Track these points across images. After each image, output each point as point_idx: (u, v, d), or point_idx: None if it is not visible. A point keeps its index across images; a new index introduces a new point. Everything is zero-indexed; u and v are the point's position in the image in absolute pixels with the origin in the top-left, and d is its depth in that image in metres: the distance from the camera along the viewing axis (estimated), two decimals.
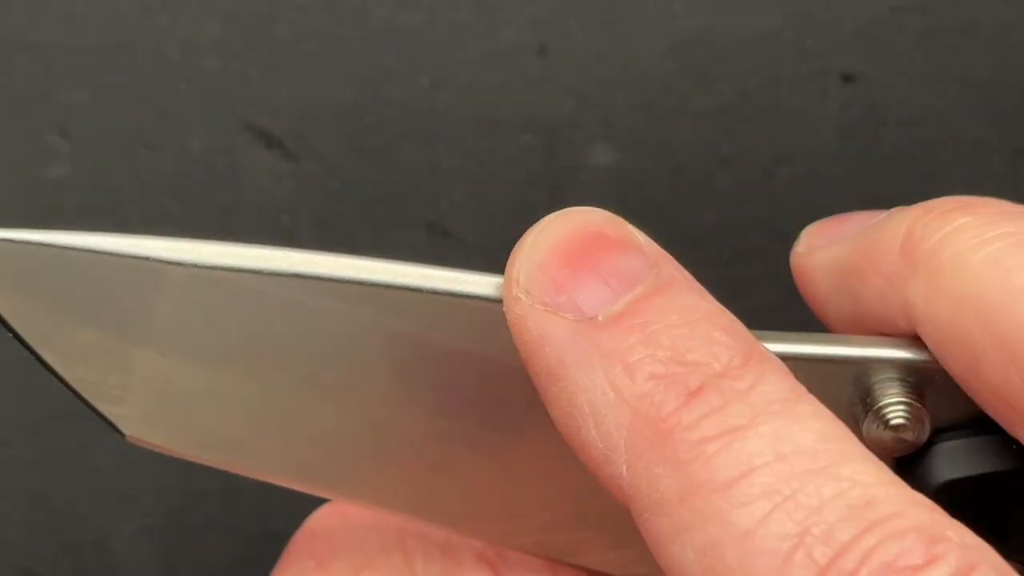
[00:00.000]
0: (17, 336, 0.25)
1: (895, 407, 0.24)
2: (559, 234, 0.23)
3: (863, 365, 0.25)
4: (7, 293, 0.24)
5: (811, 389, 0.23)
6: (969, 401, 0.24)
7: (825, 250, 0.27)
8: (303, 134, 0.38)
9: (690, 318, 0.22)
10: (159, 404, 0.25)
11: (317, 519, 0.29)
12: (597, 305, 0.22)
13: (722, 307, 0.22)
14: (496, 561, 0.26)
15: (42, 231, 0.24)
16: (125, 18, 0.38)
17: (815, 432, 0.21)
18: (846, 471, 0.20)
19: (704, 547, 0.20)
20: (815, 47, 0.38)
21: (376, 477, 0.26)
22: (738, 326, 0.22)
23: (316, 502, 0.30)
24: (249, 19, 0.38)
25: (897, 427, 0.24)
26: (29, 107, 0.38)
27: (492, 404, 0.25)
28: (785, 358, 0.23)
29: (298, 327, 0.24)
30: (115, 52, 0.38)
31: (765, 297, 0.37)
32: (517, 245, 0.23)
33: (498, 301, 0.24)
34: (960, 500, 0.24)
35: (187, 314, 0.24)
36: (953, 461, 0.25)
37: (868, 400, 0.25)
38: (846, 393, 0.25)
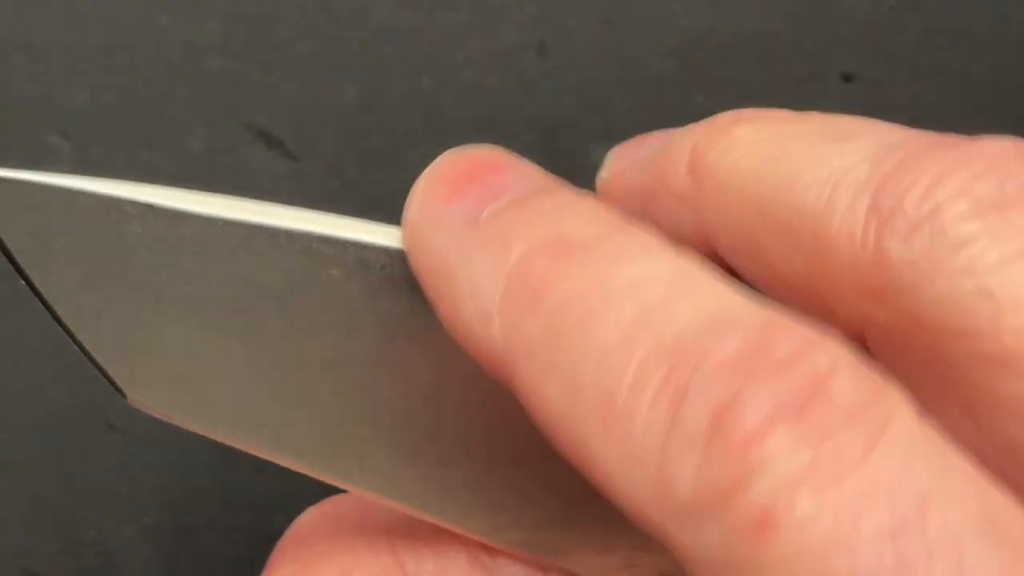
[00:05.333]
0: (30, 284, 0.25)
1: None
2: (450, 160, 0.24)
3: None
4: (20, 236, 0.25)
5: None
6: None
7: (625, 175, 0.28)
8: (303, 134, 0.38)
9: (568, 204, 0.23)
10: (163, 368, 0.25)
11: (304, 522, 0.29)
12: (482, 210, 0.23)
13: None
14: (488, 562, 0.27)
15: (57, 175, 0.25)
16: (125, 18, 0.38)
17: (666, 265, 0.21)
18: (700, 295, 0.21)
19: (569, 379, 0.21)
20: (815, 47, 0.38)
21: (366, 461, 0.26)
22: (614, 212, 0.23)
23: (317, 501, 0.30)
24: (249, 19, 0.38)
25: None
26: (29, 107, 0.38)
27: (484, 391, 0.25)
28: None
29: (302, 293, 0.25)
30: (115, 52, 0.38)
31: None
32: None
33: None
34: None
35: (194, 271, 0.24)
36: None
37: None
38: None
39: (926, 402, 0.20)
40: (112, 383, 0.25)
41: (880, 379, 0.19)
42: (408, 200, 0.24)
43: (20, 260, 0.25)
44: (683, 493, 0.19)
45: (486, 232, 0.23)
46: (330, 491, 0.31)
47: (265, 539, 0.34)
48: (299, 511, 0.29)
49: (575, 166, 0.39)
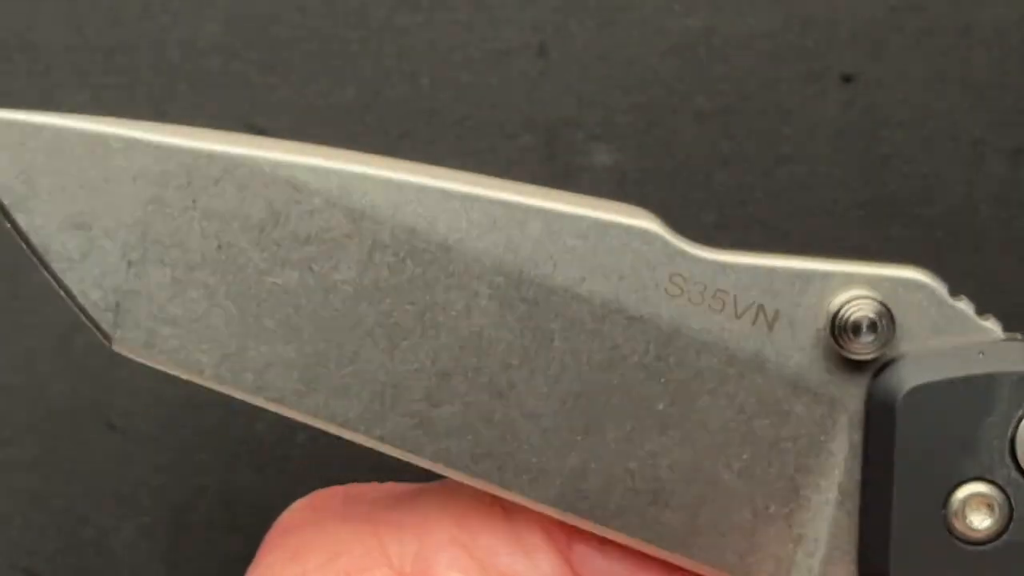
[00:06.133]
0: (15, 225, 0.25)
1: (859, 307, 0.25)
2: None
3: (831, 278, 0.26)
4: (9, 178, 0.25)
5: (781, 301, 0.25)
6: (936, 317, 0.25)
7: None
8: (303, 134, 0.38)
9: None
10: (147, 310, 0.25)
11: (290, 515, 0.29)
12: None
13: None
14: (469, 543, 0.27)
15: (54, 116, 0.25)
16: (125, 18, 0.38)
17: None
18: None
19: None
20: (815, 47, 0.38)
21: (349, 399, 0.26)
22: None
23: None
24: (249, 19, 0.38)
25: (861, 320, 0.25)
26: (29, 107, 0.38)
27: (473, 326, 0.25)
28: (758, 268, 0.25)
29: (285, 224, 0.25)
30: (115, 52, 0.38)
31: None
32: None
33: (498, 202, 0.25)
34: (929, 408, 0.25)
35: (178, 206, 0.25)
36: (919, 369, 0.25)
37: (833, 310, 0.25)
38: (813, 304, 0.26)
39: None
40: (96, 327, 0.25)
41: None
42: None
43: (4, 200, 0.25)
44: None
45: None
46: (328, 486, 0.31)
47: None
48: None
49: (575, 166, 0.39)
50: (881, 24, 0.38)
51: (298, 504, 0.29)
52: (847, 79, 0.38)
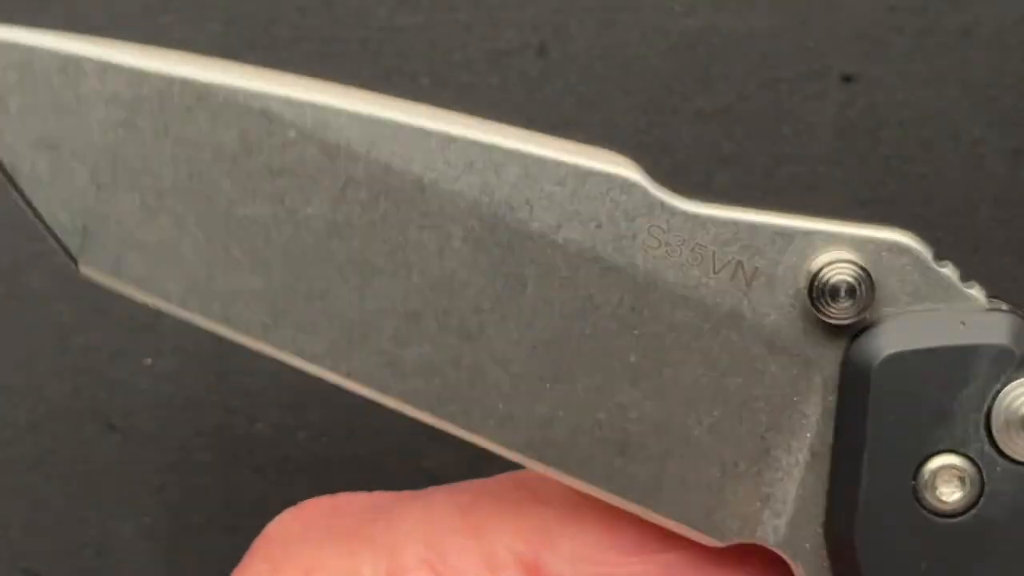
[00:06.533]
0: None
1: (838, 269, 0.25)
2: None
3: (812, 236, 0.25)
4: None
5: (760, 258, 0.25)
6: (919, 282, 0.25)
7: None
8: None
9: None
10: (116, 234, 0.25)
11: (276, 525, 0.29)
12: None
13: None
14: (438, 564, 0.27)
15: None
16: (125, 18, 0.38)
17: None
18: None
19: None
20: (815, 47, 0.38)
21: (315, 333, 0.25)
22: None
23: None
24: (249, 19, 0.38)
25: (839, 284, 0.25)
26: None
27: (446, 264, 0.25)
28: (738, 224, 0.25)
29: (258, 155, 0.24)
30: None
31: None
32: None
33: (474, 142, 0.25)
34: (905, 376, 0.25)
35: (150, 132, 0.24)
36: (897, 336, 0.25)
37: (813, 270, 0.25)
38: (792, 263, 0.25)
39: None
40: (64, 249, 0.25)
41: None
42: None
43: None
44: None
45: None
46: (327, 492, 0.31)
47: None
48: None
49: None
50: (881, 24, 0.38)
51: (286, 514, 0.29)
52: (847, 79, 0.38)
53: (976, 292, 0.25)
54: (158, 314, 0.40)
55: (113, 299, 0.39)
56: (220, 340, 0.39)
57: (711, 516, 0.26)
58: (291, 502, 0.30)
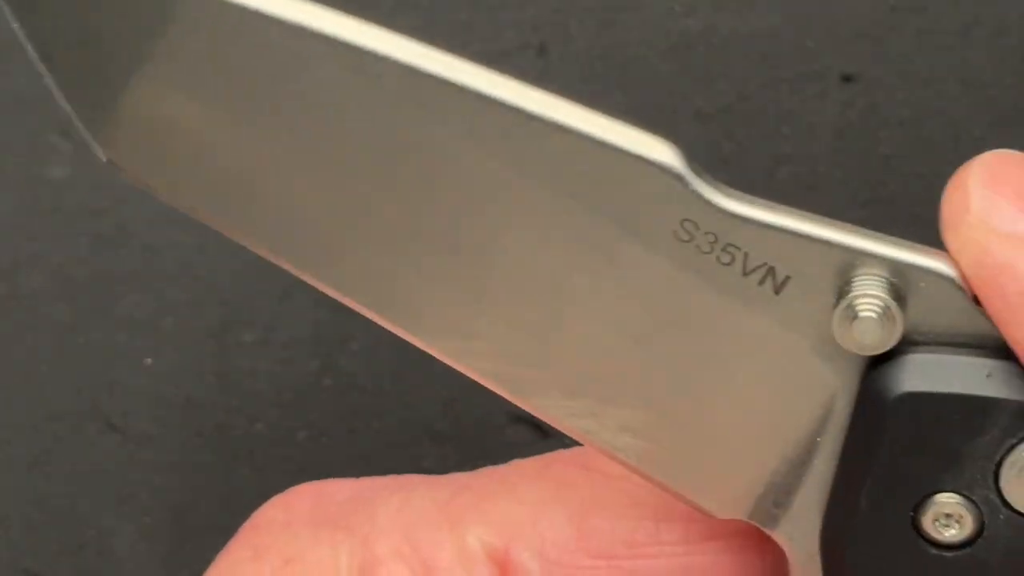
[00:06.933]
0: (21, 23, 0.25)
1: (868, 300, 0.24)
2: (1007, 164, 0.23)
3: (851, 254, 0.24)
4: None
5: (793, 266, 0.24)
6: (955, 317, 0.24)
7: None
8: None
9: None
10: (145, 132, 0.25)
11: (263, 512, 0.29)
12: None
13: None
14: (410, 556, 0.27)
15: None
16: None
17: None
18: None
19: None
20: (815, 47, 0.38)
21: (343, 259, 0.25)
22: None
23: None
24: None
25: (864, 320, 0.24)
26: (30, 107, 0.38)
27: (472, 209, 0.25)
28: (775, 229, 0.24)
29: (304, 86, 0.24)
30: None
31: None
32: (953, 180, 0.24)
33: (507, 105, 0.25)
34: (919, 416, 0.24)
35: (195, 45, 0.24)
36: (919, 374, 0.24)
37: (845, 289, 0.24)
38: (826, 277, 0.24)
39: None
40: (89, 141, 0.25)
41: None
42: (963, 201, 0.23)
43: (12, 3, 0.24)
44: None
45: None
46: None
47: None
48: None
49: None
50: (881, 24, 0.38)
51: (274, 500, 0.30)
52: (847, 79, 0.38)
53: None
54: (158, 314, 0.40)
55: (113, 299, 0.39)
56: (220, 340, 0.39)
57: (713, 488, 0.26)
58: None
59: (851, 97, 0.39)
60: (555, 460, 0.28)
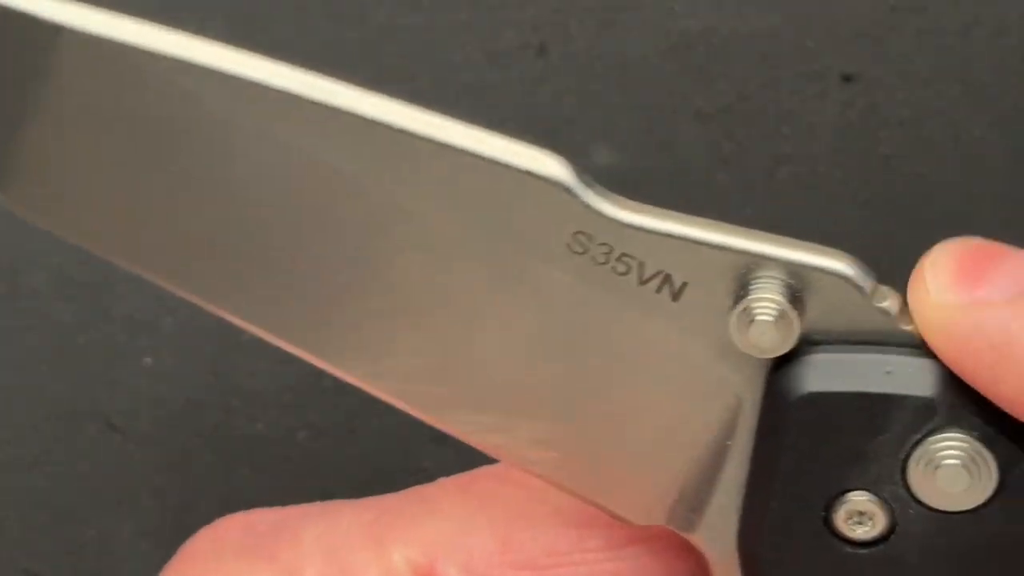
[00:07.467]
0: None
1: (763, 303, 0.24)
2: (951, 253, 0.24)
3: (746, 257, 0.24)
4: None
5: (689, 273, 0.24)
6: (854, 316, 0.24)
7: None
8: None
9: None
10: (42, 171, 0.25)
11: (191, 544, 0.30)
12: (1016, 285, 0.23)
13: None
14: None
15: None
16: None
17: None
18: None
19: None
20: (815, 47, 0.38)
21: (246, 288, 0.25)
22: None
23: (317, 500, 0.30)
24: (249, 19, 0.38)
25: (760, 323, 0.24)
26: None
27: (368, 231, 0.25)
28: (668, 236, 0.24)
29: (188, 117, 0.24)
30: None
31: None
32: (913, 274, 0.24)
33: (407, 132, 0.24)
34: (822, 416, 0.24)
35: (83, 84, 0.24)
36: (820, 374, 0.24)
37: (741, 292, 0.24)
38: (723, 282, 0.24)
39: None
40: None
41: None
42: (924, 284, 0.24)
43: None
44: None
45: None
46: (327, 492, 0.31)
47: None
48: None
49: (575, 166, 0.39)
50: (881, 24, 0.38)
51: (202, 532, 0.30)
52: (847, 79, 0.38)
53: (915, 328, 0.24)
54: (158, 314, 0.40)
55: (113, 299, 0.39)
56: (220, 340, 0.39)
57: (627, 496, 0.26)
58: (291, 502, 0.30)
59: (851, 97, 0.39)
60: (478, 476, 0.29)
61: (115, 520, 0.40)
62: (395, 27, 0.39)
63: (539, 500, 0.27)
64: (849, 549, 0.24)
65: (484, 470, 0.29)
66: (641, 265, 0.24)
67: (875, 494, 0.24)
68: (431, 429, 0.27)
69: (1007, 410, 0.23)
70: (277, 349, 0.26)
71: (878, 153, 0.39)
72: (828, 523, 0.24)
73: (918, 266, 0.24)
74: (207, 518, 0.39)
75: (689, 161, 0.39)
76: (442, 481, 0.29)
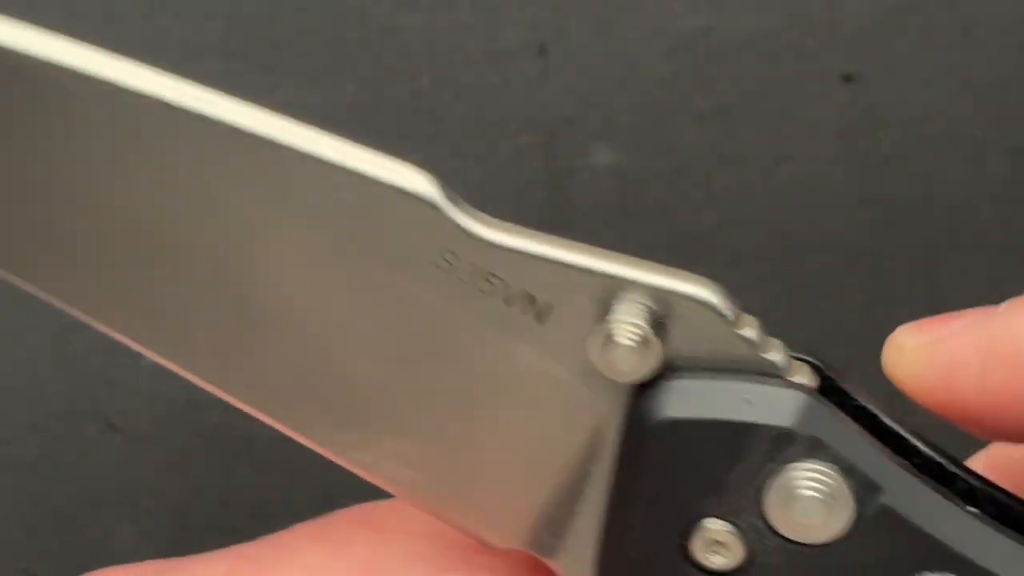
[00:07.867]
0: None
1: (624, 327, 0.23)
2: (914, 322, 0.25)
3: (610, 281, 0.24)
4: None
5: (554, 295, 0.24)
6: (715, 342, 0.24)
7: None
8: None
9: None
10: None
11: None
12: (971, 317, 0.24)
13: None
14: None
15: None
16: (125, 18, 0.38)
17: None
18: None
19: None
20: (815, 47, 0.38)
21: (120, 296, 0.25)
22: None
23: (317, 500, 0.30)
24: (249, 19, 0.38)
25: (620, 347, 0.23)
26: None
27: (235, 241, 0.25)
28: (533, 257, 0.24)
29: (60, 122, 0.24)
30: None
31: (765, 297, 0.37)
32: (885, 346, 0.25)
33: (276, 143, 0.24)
34: (681, 443, 0.24)
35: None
36: (680, 400, 0.24)
37: (604, 315, 0.24)
38: (586, 304, 0.24)
39: None
40: None
41: None
42: (895, 348, 0.25)
43: None
44: None
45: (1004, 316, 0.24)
46: (327, 507, 0.31)
47: None
48: (297, 513, 0.30)
49: (575, 166, 0.39)
50: (881, 24, 0.38)
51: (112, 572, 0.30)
52: (847, 79, 0.39)
53: (776, 356, 0.24)
54: None
55: None
56: None
57: (488, 518, 0.25)
58: (291, 502, 0.30)
59: (851, 97, 0.39)
60: (334, 520, 0.28)
61: (115, 520, 0.40)
62: (395, 27, 0.39)
63: (396, 542, 0.27)
64: None
65: (340, 514, 0.28)
66: (507, 285, 0.24)
67: (733, 523, 0.24)
68: None
69: (1008, 410, 0.23)
70: None
71: (878, 153, 0.39)
72: (685, 552, 0.24)
73: (887, 342, 0.25)
74: (207, 518, 0.40)
75: (689, 161, 0.39)
76: (300, 526, 0.29)
